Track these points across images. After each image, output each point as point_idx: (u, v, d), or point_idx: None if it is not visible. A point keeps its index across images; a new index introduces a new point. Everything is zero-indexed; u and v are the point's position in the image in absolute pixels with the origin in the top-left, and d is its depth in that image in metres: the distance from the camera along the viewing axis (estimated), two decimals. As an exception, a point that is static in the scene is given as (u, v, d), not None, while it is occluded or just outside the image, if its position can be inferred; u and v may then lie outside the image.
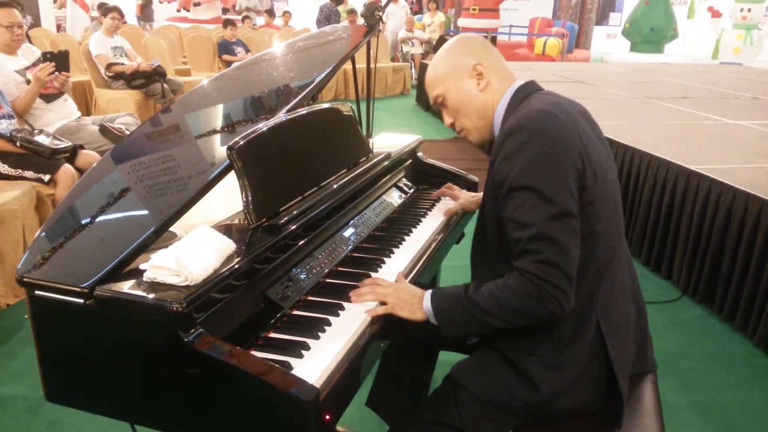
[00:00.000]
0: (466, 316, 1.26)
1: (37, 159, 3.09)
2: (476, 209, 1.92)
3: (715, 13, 14.38)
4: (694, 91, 6.36)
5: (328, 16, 10.75)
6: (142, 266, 1.16)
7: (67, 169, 3.14)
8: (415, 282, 1.57)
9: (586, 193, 1.21)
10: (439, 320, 1.30)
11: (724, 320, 2.83)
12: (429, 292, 1.33)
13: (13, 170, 3.04)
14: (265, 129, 1.46)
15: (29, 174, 3.06)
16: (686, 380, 2.41)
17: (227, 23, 8.46)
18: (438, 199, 2.10)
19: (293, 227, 1.41)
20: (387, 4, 2.04)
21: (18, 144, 3.03)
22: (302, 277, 1.43)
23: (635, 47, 14.57)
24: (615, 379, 1.26)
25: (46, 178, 3.07)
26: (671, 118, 4.67)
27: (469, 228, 1.95)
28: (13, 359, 2.41)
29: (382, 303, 1.35)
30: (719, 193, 2.87)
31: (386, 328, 1.35)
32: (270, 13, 11.69)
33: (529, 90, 1.38)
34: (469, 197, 2.00)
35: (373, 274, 1.52)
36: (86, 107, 6.25)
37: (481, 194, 1.83)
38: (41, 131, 3.22)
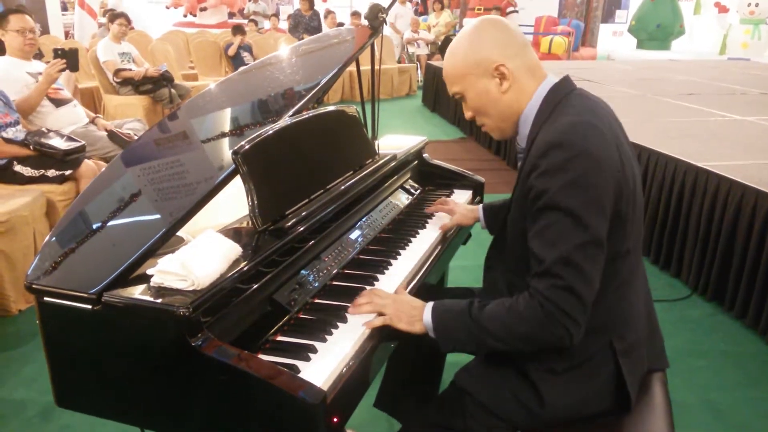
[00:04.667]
0: (468, 335, 1.22)
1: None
2: (473, 224, 1.87)
3: (722, 9, 14.26)
4: (701, 87, 6.32)
5: (295, 25, 10.48)
6: (149, 271, 1.17)
7: (88, 164, 3.17)
8: (422, 282, 1.57)
9: (620, 216, 1.18)
10: (438, 336, 1.25)
11: (735, 318, 2.81)
12: (430, 304, 1.28)
13: (36, 172, 3.08)
14: (270, 132, 1.47)
15: (51, 173, 3.08)
16: (696, 378, 2.39)
17: (237, 30, 8.45)
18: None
19: (299, 230, 1.41)
20: (391, 6, 2.03)
21: (31, 147, 3.06)
22: (309, 280, 1.44)
23: (642, 44, 14.49)
24: (626, 392, 1.26)
25: (68, 172, 3.10)
26: (679, 114, 4.64)
27: (476, 230, 1.95)
28: (25, 364, 2.43)
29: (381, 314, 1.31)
30: (728, 190, 2.85)
31: (395, 330, 1.35)
32: (275, 16, 11.69)
33: (564, 90, 1.27)
34: (464, 212, 1.88)
35: (379, 276, 1.52)
36: (95, 113, 6.29)
37: (477, 207, 1.82)
38: (56, 133, 3.24)
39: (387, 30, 9.86)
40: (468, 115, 1.35)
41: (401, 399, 1.88)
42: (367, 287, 1.46)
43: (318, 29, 10.33)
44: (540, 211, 1.15)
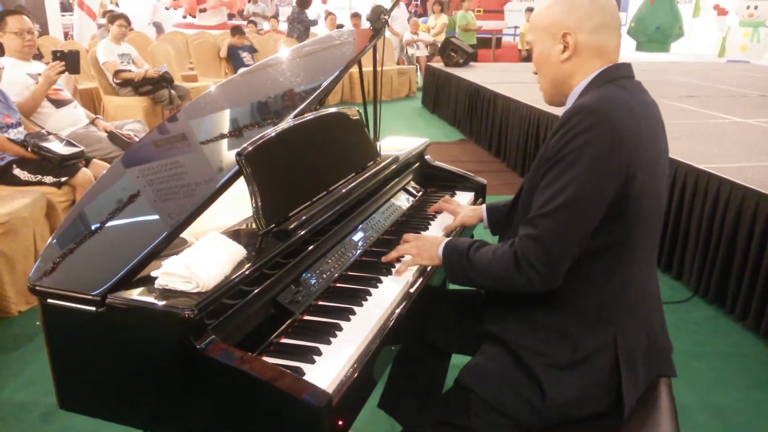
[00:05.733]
0: (462, 269, 1.35)
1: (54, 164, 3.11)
2: (476, 223, 1.86)
3: (721, 11, 14.28)
4: (701, 89, 6.33)
5: (292, 22, 10.27)
6: (153, 273, 1.17)
7: (85, 173, 3.16)
8: (426, 284, 1.57)
9: (627, 202, 1.17)
10: (445, 267, 1.42)
11: (736, 320, 2.81)
12: (445, 240, 1.44)
13: (33, 176, 3.08)
14: (273, 134, 1.47)
15: (48, 179, 3.08)
16: (699, 381, 2.39)
17: (235, 31, 8.45)
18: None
19: (303, 232, 1.41)
20: (393, 8, 2.03)
21: (29, 149, 3.05)
22: (312, 282, 1.43)
23: (641, 46, 14.52)
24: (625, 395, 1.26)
25: (64, 179, 3.10)
26: (678, 117, 4.64)
27: (478, 231, 1.94)
28: (26, 366, 2.42)
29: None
30: (729, 192, 2.85)
31: (398, 332, 1.35)
32: (275, 18, 11.67)
33: (618, 73, 1.26)
34: (468, 212, 1.87)
35: (383, 278, 1.52)
36: (94, 114, 6.29)
37: (480, 207, 1.82)
38: (56, 136, 3.23)
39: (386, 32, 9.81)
40: (533, 69, 1.37)
41: (404, 401, 1.88)
42: (371, 289, 1.46)
43: (308, 25, 10.29)
44: (549, 169, 1.19)
